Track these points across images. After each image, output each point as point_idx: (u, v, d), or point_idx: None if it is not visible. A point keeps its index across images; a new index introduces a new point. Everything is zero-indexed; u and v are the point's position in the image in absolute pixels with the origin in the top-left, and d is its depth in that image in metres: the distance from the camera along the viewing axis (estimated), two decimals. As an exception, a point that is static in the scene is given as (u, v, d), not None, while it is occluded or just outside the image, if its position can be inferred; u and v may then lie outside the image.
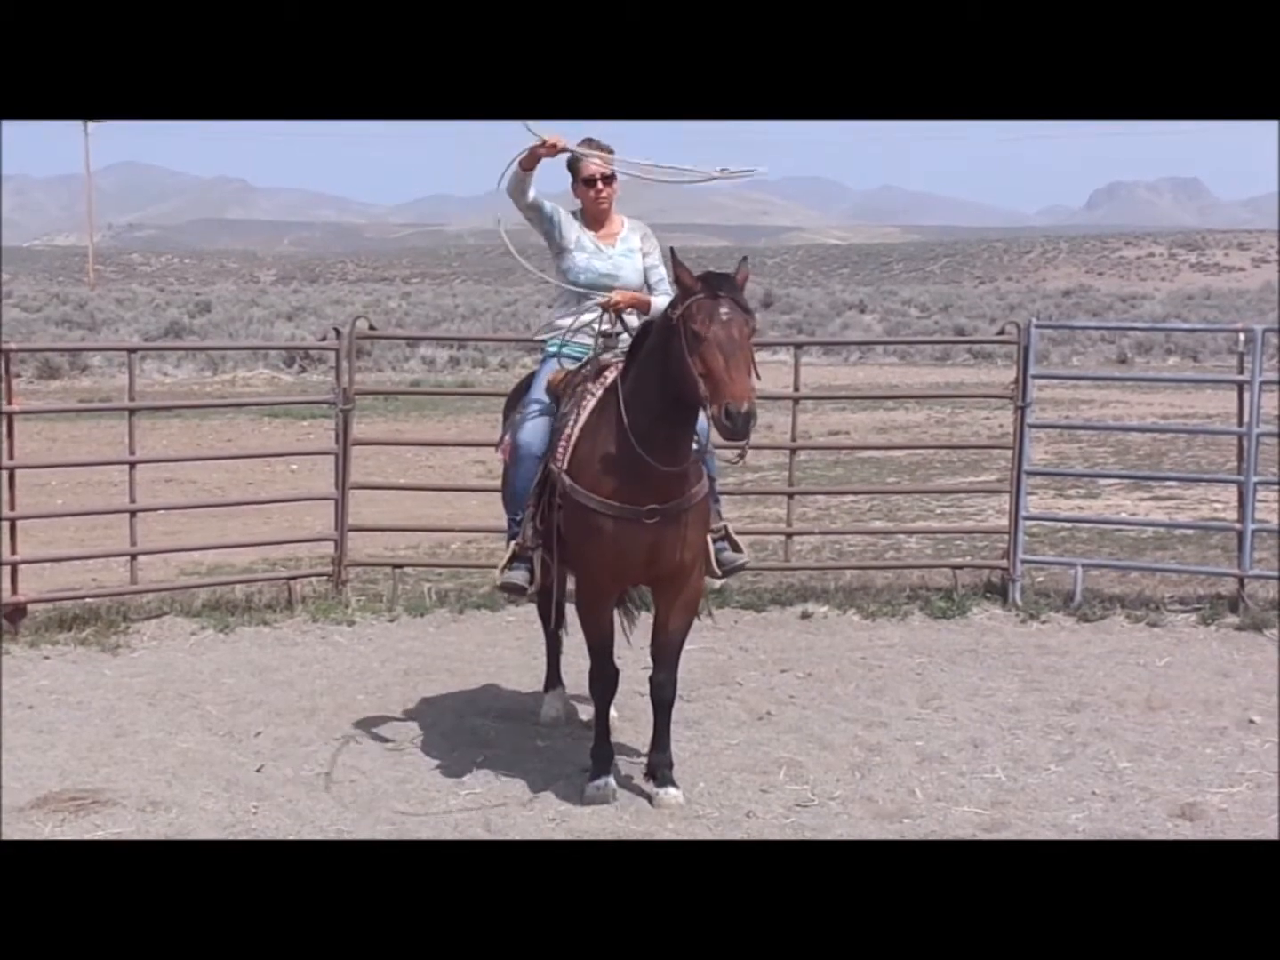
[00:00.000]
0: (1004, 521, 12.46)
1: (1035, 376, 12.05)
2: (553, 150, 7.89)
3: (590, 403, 7.72)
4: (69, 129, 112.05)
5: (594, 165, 8.10)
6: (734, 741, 8.68)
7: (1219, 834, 7.28)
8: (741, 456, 7.11)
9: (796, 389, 12.51)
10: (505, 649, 10.80)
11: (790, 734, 8.79)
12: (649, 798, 7.74)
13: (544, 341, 8.51)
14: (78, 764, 8.24)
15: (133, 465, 11.59)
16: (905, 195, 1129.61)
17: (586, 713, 8.77)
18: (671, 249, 7.53)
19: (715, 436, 7.15)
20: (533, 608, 9.41)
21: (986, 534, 13.92)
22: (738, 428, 6.77)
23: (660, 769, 7.81)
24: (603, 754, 7.90)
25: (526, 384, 8.55)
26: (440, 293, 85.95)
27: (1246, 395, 11.49)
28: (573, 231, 8.19)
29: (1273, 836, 7.19)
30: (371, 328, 12.65)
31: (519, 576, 8.01)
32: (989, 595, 11.93)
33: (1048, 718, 9.16)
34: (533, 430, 8.03)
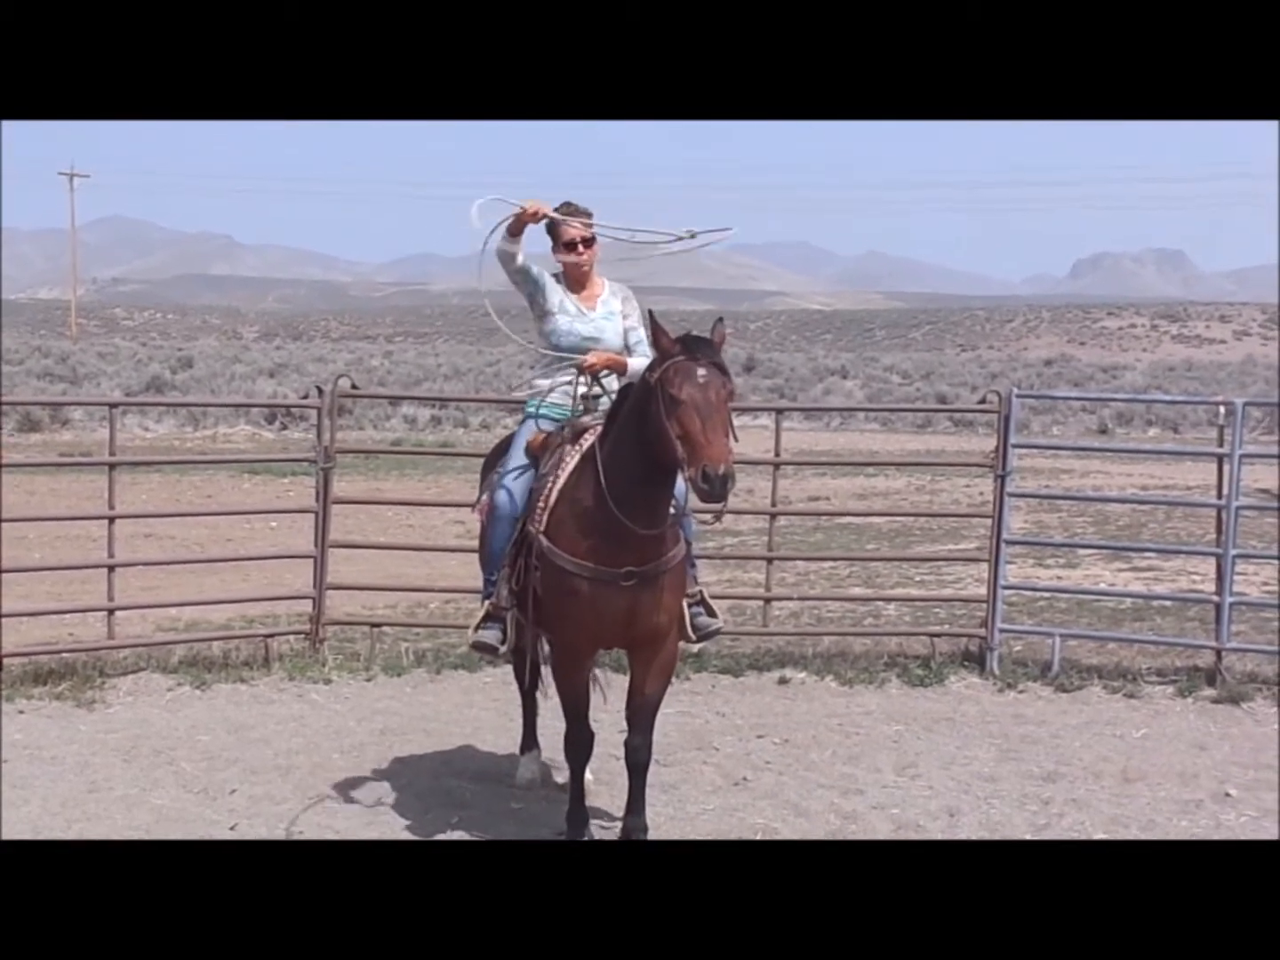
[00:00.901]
0: (983, 590, 12.48)
1: (1016, 445, 12.09)
2: (535, 217, 7.93)
3: (569, 465, 7.72)
4: (55, 181, 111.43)
5: (574, 229, 8.15)
6: (709, 807, 8.67)
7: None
8: (718, 518, 7.11)
9: (777, 454, 12.57)
10: (482, 710, 10.79)
11: (766, 800, 8.78)
12: None
13: (524, 402, 8.54)
14: (50, 819, 8.21)
15: (112, 520, 11.60)
16: (890, 261, 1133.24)
17: (562, 775, 8.77)
18: (650, 311, 7.58)
19: (694, 499, 7.17)
20: (510, 669, 9.41)
21: (965, 602, 13.94)
22: (715, 490, 6.73)
23: (635, 833, 7.77)
24: (578, 817, 7.90)
25: (505, 445, 8.58)
26: (423, 352, 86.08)
27: (1226, 468, 11.54)
28: (555, 295, 8.23)
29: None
30: (354, 386, 12.69)
31: (491, 636, 8.00)
32: (967, 664, 11.95)
33: (1024, 788, 9.15)
34: (510, 491, 8.03)
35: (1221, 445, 11.63)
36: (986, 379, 58.67)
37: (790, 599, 14.06)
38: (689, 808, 8.66)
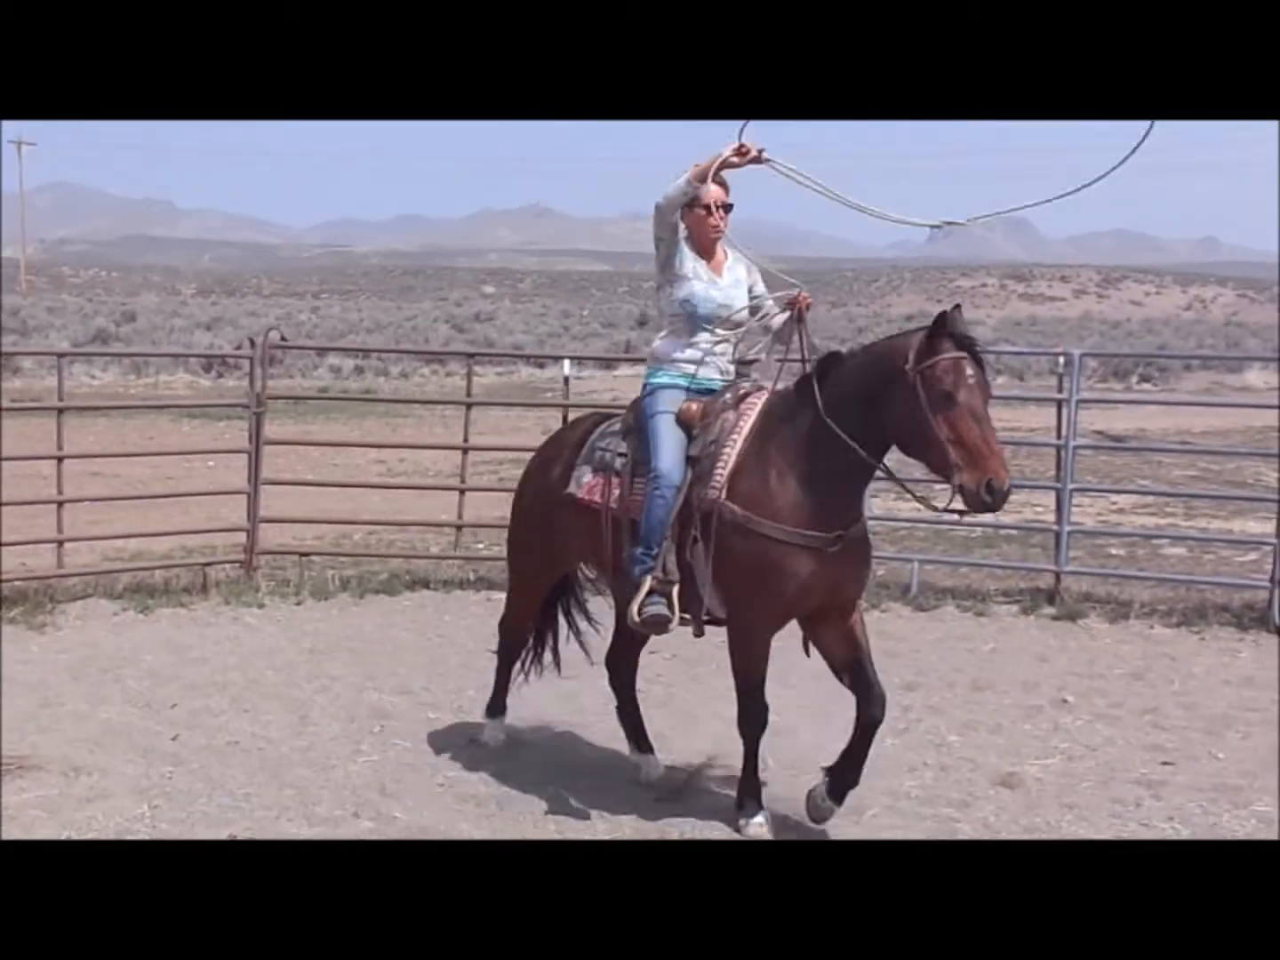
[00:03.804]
0: (850, 521, 12.53)
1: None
2: (744, 155, 6.87)
3: (743, 429, 6.84)
4: (3, 149, 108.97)
5: (717, 192, 7.10)
6: (606, 715, 8.64)
7: (1035, 801, 7.39)
8: (962, 516, 6.50)
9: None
10: (402, 631, 10.77)
11: (658, 709, 8.78)
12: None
13: (653, 370, 7.31)
14: (7, 733, 8.09)
15: (60, 460, 11.46)
16: (769, 228, 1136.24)
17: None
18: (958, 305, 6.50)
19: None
20: (430, 595, 9.32)
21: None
22: (996, 504, 6.09)
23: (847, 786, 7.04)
24: (751, 788, 7.13)
25: (597, 421, 7.65)
26: (347, 307, 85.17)
27: (1065, 412, 11.67)
28: (688, 260, 7.16)
29: (1097, 802, 7.30)
30: (283, 338, 12.60)
31: (660, 609, 6.94)
32: (836, 586, 12.02)
33: (887, 696, 9.20)
34: (672, 460, 6.91)
35: (1061, 391, 11.76)
36: (854, 333, 58.79)
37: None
38: (588, 716, 8.67)
